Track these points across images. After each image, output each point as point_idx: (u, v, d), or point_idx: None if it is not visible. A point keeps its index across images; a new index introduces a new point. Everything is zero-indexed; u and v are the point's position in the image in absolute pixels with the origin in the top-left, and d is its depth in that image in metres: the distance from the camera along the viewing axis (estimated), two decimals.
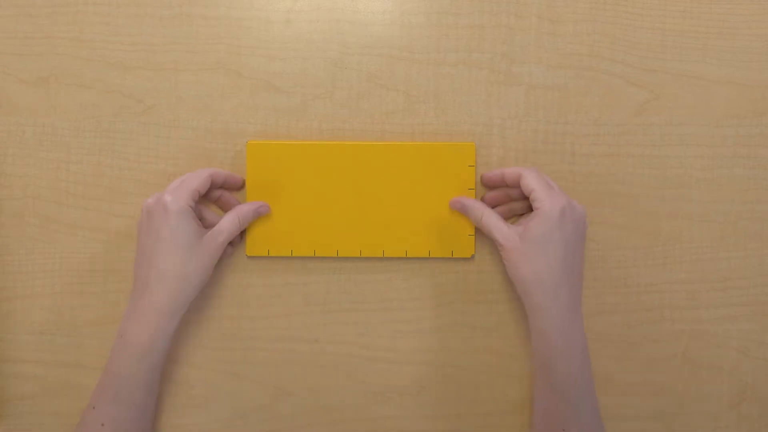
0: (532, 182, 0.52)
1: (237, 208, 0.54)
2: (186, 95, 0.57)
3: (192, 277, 0.51)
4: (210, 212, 0.56)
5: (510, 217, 0.57)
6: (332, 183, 0.56)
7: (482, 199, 0.57)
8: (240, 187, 0.56)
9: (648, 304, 0.57)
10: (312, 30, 0.57)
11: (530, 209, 0.55)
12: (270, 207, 0.55)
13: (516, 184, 0.54)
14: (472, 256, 0.57)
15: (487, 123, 0.57)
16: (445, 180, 0.56)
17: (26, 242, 0.57)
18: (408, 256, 0.56)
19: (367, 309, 0.57)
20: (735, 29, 0.57)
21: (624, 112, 0.57)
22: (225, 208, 0.56)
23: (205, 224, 0.55)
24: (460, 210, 0.55)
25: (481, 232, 0.57)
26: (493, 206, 0.56)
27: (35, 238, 0.57)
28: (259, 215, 0.55)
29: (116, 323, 0.57)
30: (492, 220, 0.53)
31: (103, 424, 0.50)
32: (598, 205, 0.57)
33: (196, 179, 0.52)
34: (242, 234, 0.56)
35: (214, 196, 0.56)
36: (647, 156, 0.57)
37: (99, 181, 0.57)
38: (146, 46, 0.57)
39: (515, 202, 0.56)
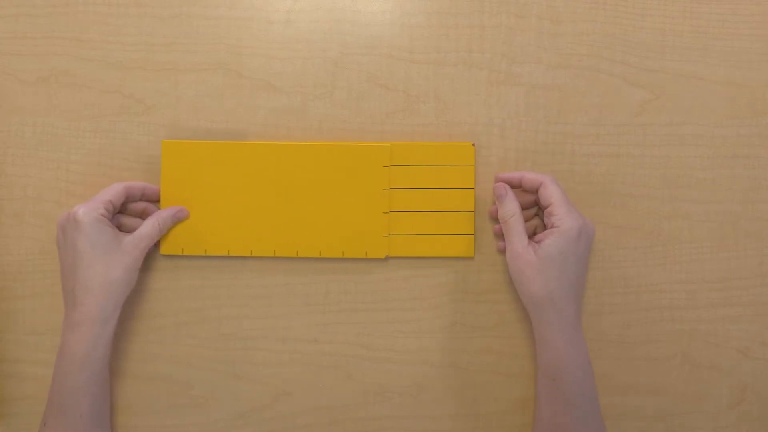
0: (553, 196, 0.52)
1: (156, 213, 0.54)
2: (186, 95, 0.57)
3: (117, 282, 0.51)
4: (130, 218, 0.55)
5: None
6: (247, 183, 0.56)
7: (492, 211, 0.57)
8: (159, 197, 0.56)
9: (648, 304, 0.57)
10: (312, 30, 0.57)
11: (531, 218, 0.56)
12: (187, 209, 0.56)
13: (533, 190, 0.54)
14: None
15: (487, 123, 0.57)
16: (358, 180, 0.55)
17: (26, 242, 0.57)
18: (322, 256, 0.56)
19: (367, 309, 0.57)
20: (735, 29, 0.57)
21: (624, 112, 0.57)
22: None
23: (126, 231, 0.54)
24: (497, 197, 0.54)
25: (480, 233, 0.57)
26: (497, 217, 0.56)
27: (35, 238, 0.57)
28: (179, 220, 0.55)
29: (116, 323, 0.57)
30: (519, 224, 0.52)
31: None
32: (598, 205, 0.57)
33: (108, 191, 0.53)
34: None
35: (138, 208, 0.56)
36: (647, 156, 0.57)
37: (99, 181, 0.57)
38: (146, 46, 0.57)
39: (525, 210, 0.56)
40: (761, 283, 0.57)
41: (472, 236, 0.56)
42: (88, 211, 0.51)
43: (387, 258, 0.57)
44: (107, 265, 0.51)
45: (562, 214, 0.51)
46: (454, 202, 0.56)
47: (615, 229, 0.57)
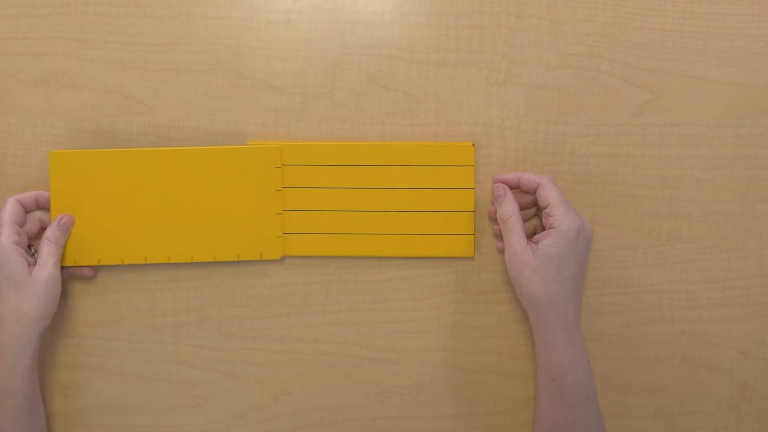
0: (551, 196, 0.52)
1: (44, 234, 0.53)
2: (186, 95, 0.57)
3: (30, 314, 0.50)
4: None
5: None
6: (139, 190, 0.55)
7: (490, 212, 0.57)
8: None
9: (648, 304, 0.57)
10: (312, 30, 0.57)
11: (530, 218, 0.56)
12: (74, 216, 0.55)
13: (530, 191, 0.54)
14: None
15: (487, 123, 0.57)
16: (250, 182, 0.55)
17: None
18: (217, 260, 0.56)
19: (367, 309, 0.57)
20: (735, 29, 0.57)
21: (624, 112, 0.57)
22: None
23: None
24: (495, 198, 0.54)
25: (480, 233, 0.57)
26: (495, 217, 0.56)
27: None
28: (67, 226, 0.54)
29: (116, 323, 0.57)
30: (518, 225, 0.52)
31: None
32: (598, 205, 0.57)
33: (4, 211, 0.52)
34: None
35: (33, 218, 0.55)
36: (647, 156, 0.57)
37: None
38: (146, 46, 0.57)
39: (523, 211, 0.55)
40: (761, 283, 0.57)
41: (472, 236, 0.56)
42: (2, 241, 0.50)
43: (283, 258, 0.56)
44: (18, 297, 0.50)
45: (560, 215, 0.51)
46: (454, 202, 0.56)
47: (615, 229, 0.57)
